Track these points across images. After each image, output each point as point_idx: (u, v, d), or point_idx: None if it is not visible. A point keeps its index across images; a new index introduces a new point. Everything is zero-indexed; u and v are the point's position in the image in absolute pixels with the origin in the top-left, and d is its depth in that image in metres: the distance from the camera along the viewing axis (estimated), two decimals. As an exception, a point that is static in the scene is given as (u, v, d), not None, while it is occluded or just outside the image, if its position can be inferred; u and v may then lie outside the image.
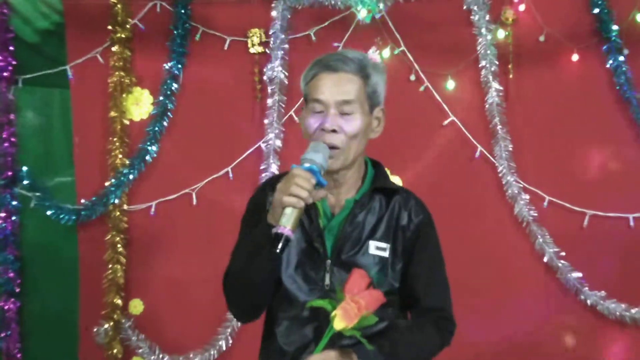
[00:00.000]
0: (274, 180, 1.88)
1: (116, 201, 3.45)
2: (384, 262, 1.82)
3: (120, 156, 3.46)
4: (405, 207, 1.87)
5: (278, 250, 1.62)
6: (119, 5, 3.44)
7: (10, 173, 3.45)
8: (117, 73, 3.46)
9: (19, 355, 3.46)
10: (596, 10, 3.33)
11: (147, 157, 3.46)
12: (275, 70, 3.40)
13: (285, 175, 1.74)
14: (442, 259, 1.93)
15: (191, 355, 3.43)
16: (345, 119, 1.78)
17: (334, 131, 1.76)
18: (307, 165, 1.67)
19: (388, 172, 3.30)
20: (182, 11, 3.44)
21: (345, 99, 1.77)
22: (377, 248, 1.82)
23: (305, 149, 1.73)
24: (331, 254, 1.80)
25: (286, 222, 1.62)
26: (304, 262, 1.81)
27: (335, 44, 3.41)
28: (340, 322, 1.62)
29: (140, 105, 3.49)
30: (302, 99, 3.42)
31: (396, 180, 3.35)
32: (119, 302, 3.46)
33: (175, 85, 3.47)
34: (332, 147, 1.75)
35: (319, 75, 1.80)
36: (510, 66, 3.37)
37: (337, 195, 1.85)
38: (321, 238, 1.81)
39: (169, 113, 3.47)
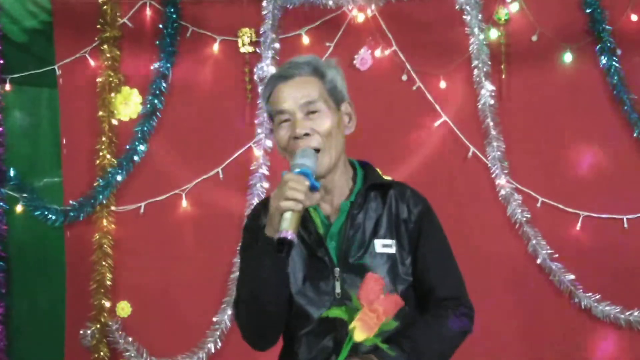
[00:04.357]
0: (266, 203, 1.83)
1: (104, 202, 3.42)
2: (392, 259, 1.79)
3: (108, 156, 3.43)
4: (402, 200, 1.84)
5: (283, 254, 1.58)
6: (108, 4, 3.42)
7: (-3, 174, 3.42)
8: (105, 72, 3.43)
9: (5, 357, 3.42)
10: (589, 10, 3.31)
11: (136, 157, 3.43)
12: (266, 70, 3.37)
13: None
14: (448, 245, 1.90)
15: (179, 359, 3.39)
16: (313, 120, 1.75)
17: (306, 135, 1.74)
18: (297, 169, 1.65)
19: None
20: (172, 10, 3.42)
21: (307, 100, 1.76)
22: (384, 246, 1.79)
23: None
24: (338, 261, 1.77)
25: (287, 226, 1.58)
26: (311, 275, 1.78)
27: (327, 44, 3.40)
28: (360, 333, 1.58)
29: (128, 104, 3.46)
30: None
31: (388, 181, 3.32)
32: (106, 304, 3.42)
33: (164, 85, 3.44)
34: None
35: (276, 87, 1.79)
36: (502, 66, 3.35)
37: (331, 201, 1.82)
38: (324, 247, 1.77)
39: (157, 113, 3.45)
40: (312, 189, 1.66)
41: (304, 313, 1.77)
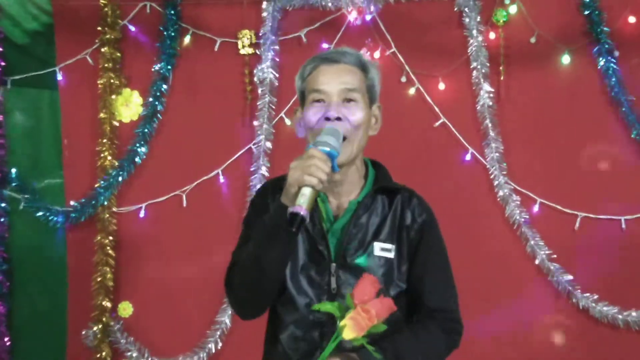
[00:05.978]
0: (275, 183, 1.86)
1: (105, 203, 3.43)
2: (389, 264, 1.80)
3: (109, 158, 3.44)
4: (408, 206, 1.84)
5: (293, 229, 1.58)
6: (108, 6, 3.42)
7: (-2, 175, 3.43)
8: (106, 74, 3.44)
9: (7, 358, 3.44)
10: (587, 12, 3.32)
11: (137, 159, 3.44)
12: (266, 71, 3.38)
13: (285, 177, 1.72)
14: (447, 258, 1.90)
15: (180, 358, 3.41)
16: (348, 108, 1.75)
17: (338, 119, 1.73)
18: (324, 148, 1.64)
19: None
20: (172, 12, 3.43)
21: (348, 87, 1.76)
22: (382, 249, 1.80)
23: (315, 137, 1.69)
24: (335, 257, 1.78)
25: (303, 203, 1.58)
26: (308, 266, 1.79)
27: (326, 46, 3.41)
28: (350, 332, 1.59)
29: (129, 106, 3.47)
30: (292, 99, 3.43)
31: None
32: (108, 304, 3.43)
33: (164, 87, 3.45)
34: None
35: (319, 67, 1.79)
36: (501, 68, 3.36)
37: (339, 196, 1.83)
38: (325, 241, 1.78)
39: (158, 114, 3.46)
40: (332, 170, 1.66)
41: (294, 301, 1.79)
